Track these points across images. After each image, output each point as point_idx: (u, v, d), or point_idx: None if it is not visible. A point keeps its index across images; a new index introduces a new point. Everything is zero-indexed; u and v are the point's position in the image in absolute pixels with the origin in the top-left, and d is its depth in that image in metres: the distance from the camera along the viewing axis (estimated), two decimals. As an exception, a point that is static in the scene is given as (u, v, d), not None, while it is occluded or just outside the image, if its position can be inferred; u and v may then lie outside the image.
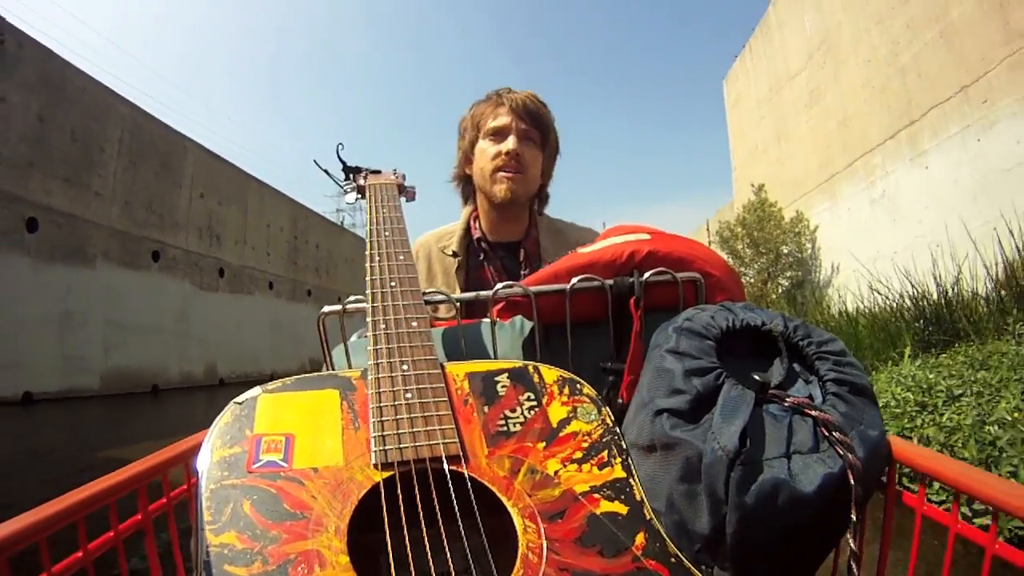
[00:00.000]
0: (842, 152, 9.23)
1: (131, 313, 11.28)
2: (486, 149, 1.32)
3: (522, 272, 1.34)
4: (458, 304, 0.92)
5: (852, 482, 0.54)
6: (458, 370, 0.66)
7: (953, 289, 4.56)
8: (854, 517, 0.54)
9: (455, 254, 1.37)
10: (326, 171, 1.29)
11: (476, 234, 1.39)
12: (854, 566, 0.54)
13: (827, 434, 0.57)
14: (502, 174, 1.29)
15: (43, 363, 9.03)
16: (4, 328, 8.23)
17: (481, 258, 1.38)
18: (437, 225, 1.49)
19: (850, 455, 0.55)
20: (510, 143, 1.28)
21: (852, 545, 0.55)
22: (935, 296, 4.64)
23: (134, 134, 11.28)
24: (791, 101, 11.11)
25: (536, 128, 1.32)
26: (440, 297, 0.91)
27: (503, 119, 1.30)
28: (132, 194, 11.28)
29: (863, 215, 8.39)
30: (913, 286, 4.87)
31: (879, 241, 7.24)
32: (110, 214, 10.67)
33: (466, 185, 1.44)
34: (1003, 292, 4.18)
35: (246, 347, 15.67)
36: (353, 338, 0.96)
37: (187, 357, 13.39)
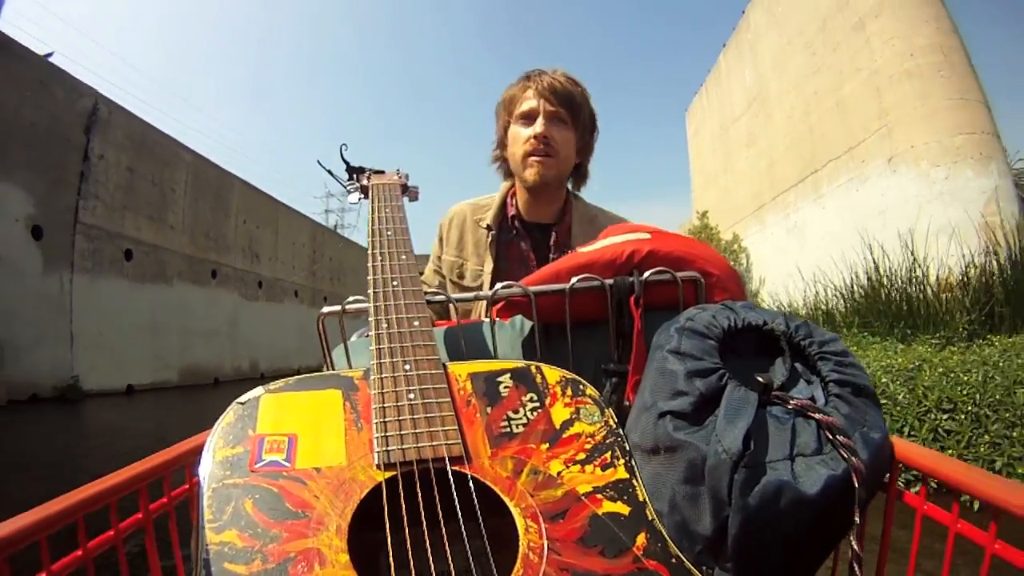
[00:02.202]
0: (769, 188, 11.53)
1: (198, 321, 14.04)
2: (518, 133, 1.33)
3: (551, 256, 1.35)
4: (455, 303, 0.92)
5: (856, 485, 0.54)
6: (460, 370, 0.66)
7: (824, 303, 5.94)
8: (857, 520, 0.54)
9: (489, 228, 1.38)
10: (330, 171, 1.29)
11: (511, 211, 1.40)
12: (856, 568, 0.54)
13: (831, 437, 0.57)
14: (532, 158, 1.29)
15: (139, 362, 11.65)
16: (112, 336, 10.81)
17: (514, 234, 1.39)
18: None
19: (854, 458, 0.55)
20: (538, 126, 1.28)
21: (855, 546, 0.55)
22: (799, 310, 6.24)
23: (196, 176, 14.12)
24: (735, 140, 13.48)
25: (565, 108, 1.31)
26: (439, 298, 0.91)
27: (531, 102, 1.31)
28: (196, 225, 14.11)
29: (781, 240, 10.51)
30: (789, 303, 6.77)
31: (791, 262, 8.81)
32: (181, 242, 13.50)
33: (503, 164, 1.45)
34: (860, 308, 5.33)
35: (278, 347, 18.70)
36: (353, 338, 0.96)
37: (237, 355, 16.23)
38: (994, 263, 4.85)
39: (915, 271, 5.09)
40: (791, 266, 8.41)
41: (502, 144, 1.41)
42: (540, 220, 1.40)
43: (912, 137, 7.86)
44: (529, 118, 1.31)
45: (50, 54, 9.92)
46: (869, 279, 5.47)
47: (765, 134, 11.91)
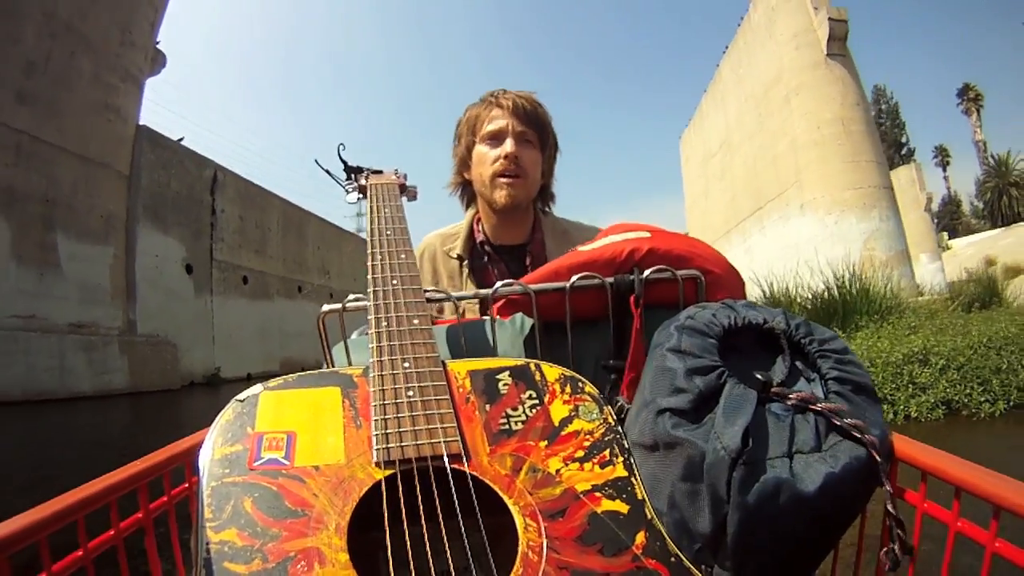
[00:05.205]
0: (733, 216, 15.13)
1: (291, 325, 17.94)
2: (484, 154, 1.29)
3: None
4: (458, 302, 0.92)
5: (877, 458, 0.55)
6: (460, 368, 0.66)
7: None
8: (889, 488, 0.56)
9: (460, 257, 1.35)
10: (328, 171, 1.28)
11: (479, 237, 1.37)
12: (899, 532, 0.55)
13: (839, 423, 0.57)
14: (501, 179, 1.26)
15: (253, 357, 15.37)
16: (237, 339, 14.94)
17: (485, 261, 1.36)
18: (442, 222, 1.48)
19: (866, 435, 0.55)
20: (507, 146, 1.25)
21: (891, 510, 0.55)
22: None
23: (284, 216, 18.84)
24: (712, 172, 17.15)
25: (533, 129, 1.29)
26: (440, 296, 0.91)
27: (499, 122, 1.28)
28: (286, 253, 18.70)
29: (741, 260, 12.86)
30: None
31: (752, 272, 9.58)
32: (278, 268, 18.00)
33: (465, 190, 1.42)
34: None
35: (344, 345, 24.42)
36: (353, 336, 0.96)
37: (317, 351, 20.34)
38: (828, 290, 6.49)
39: (785, 292, 6.88)
40: (749, 282, 9.53)
41: (465, 166, 1.37)
42: (510, 242, 1.37)
43: (815, 191, 11.01)
44: (496, 138, 1.28)
45: (181, 138, 13.87)
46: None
47: (731, 172, 15.38)
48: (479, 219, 1.39)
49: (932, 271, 15.21)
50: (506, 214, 1.32)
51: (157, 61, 12.83)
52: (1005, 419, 4.00)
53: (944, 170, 44.14)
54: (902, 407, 4.23)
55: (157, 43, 12.65)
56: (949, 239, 26.44)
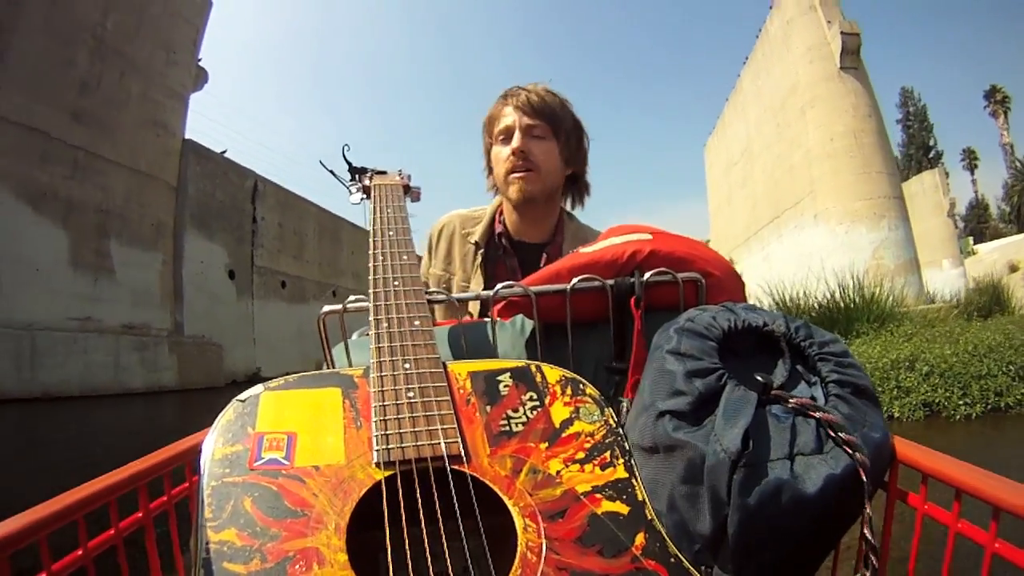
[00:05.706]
0: (754, 223, 15.61)
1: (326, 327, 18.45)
2: (499, 152, 1.31)
3: None
4: (457, 303, 0.92)
5: (864, 479, 0.54)
6: (460, 369, 0.66)
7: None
8: (868, 511, 0.55)
9: (477, 244, 1.36)
10: (332, 172, 1.28)
11: (498, 229, 1.37)
12: (872, 558, 0.54)
13: (833, 435, 0.57)
14: (513, 175, 1.27)
15: (291, 357, 15.46)
16: (276, 340, 15.48)
17: (500, 253, 1.36)
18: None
19: (858, 453, 0.55)
20: (515, 141, 1.26)
21: (869, 536, 0.55)
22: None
23: (319, 223, 19.53)
24: (734, 179, 17.80)
25: (542, 120, 1.28)
26: (440, 297, 0.91)
27: (508, 120, 1.29)
28: (322, 258, 19.43)
29: (760, 265, 13.95)
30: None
31: (765, 281, 10.22)
32: (313, 272, 18.70)
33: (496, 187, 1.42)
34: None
35: (374, 346, 25.60)
36: (354, 337, 0.96)
37: None
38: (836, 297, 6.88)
39: (794, 300, 7.33)
40: (765, 285, 9.85)
41: (489, 166, 1.39)
42: (529, 239, 1.37)
43: (827, 202, 11.38)
44: (508, 135, 1.29)
45: (224, 151, 14.74)
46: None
47: (752, 181, 15.90)
48: (502, 211, 1.39)
49: (954, 277, 15.33)
50: (524, 210, 1.33)
51: (199, 77, 13.71)
52: (981, 421, 4.30)
53: (972, 173, 43.68)
54: (886, 408, 4.48)
55: (199, 60, 13.40)
56: (975, 244, 25.94)
